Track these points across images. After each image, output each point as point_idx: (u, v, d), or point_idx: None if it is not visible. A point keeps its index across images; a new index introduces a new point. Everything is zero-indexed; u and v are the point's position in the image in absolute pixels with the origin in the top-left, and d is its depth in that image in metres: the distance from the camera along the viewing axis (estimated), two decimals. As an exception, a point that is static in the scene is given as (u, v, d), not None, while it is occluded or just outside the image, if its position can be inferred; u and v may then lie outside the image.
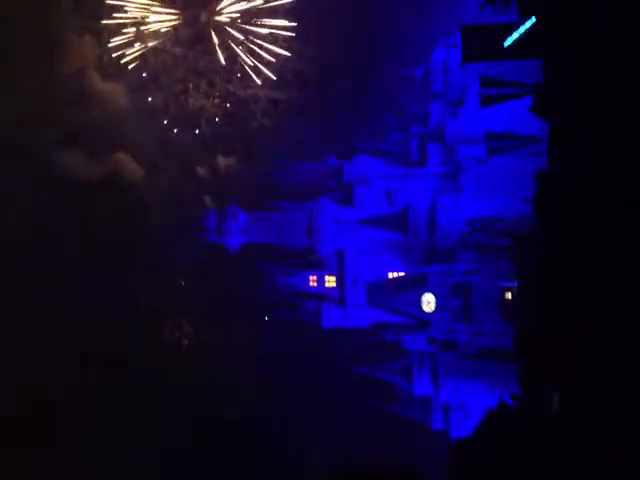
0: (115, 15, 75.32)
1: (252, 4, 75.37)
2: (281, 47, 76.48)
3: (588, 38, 28.72)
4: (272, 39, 76.19)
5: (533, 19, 34.06)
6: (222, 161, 79.72)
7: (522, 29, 35.67)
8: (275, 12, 75.86)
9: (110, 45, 76.26)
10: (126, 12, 75.19)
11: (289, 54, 76.47)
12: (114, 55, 76.32)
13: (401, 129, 61.07)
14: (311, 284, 61.14)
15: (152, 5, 75.22)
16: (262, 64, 76.60)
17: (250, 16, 75.97)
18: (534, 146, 52.71)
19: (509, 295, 53.82)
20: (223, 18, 75.55)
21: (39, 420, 73.66)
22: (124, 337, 74.50)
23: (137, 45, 76.13)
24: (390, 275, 59.54)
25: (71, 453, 72.42)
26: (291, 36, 75.91)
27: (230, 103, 78.83)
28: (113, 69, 77.46)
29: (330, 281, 60.76)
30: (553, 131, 39.68)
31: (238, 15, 75.60)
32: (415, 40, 63.58)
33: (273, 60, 76.49)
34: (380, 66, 68.36)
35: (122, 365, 74.22)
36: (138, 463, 71.52)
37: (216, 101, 78.29)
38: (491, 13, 57.78)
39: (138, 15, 75.62)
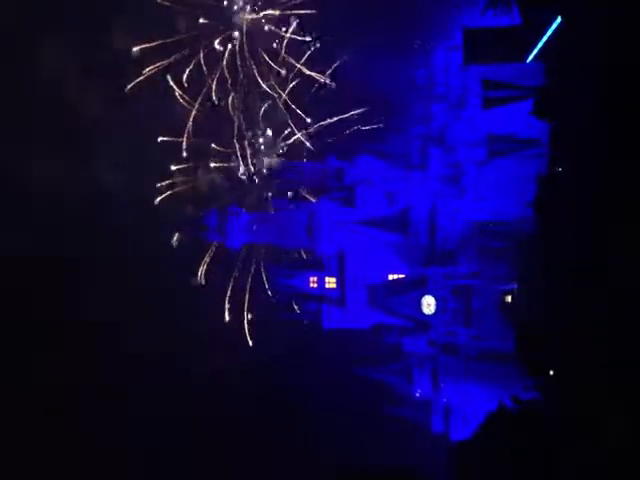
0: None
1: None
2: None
3: (590, 44, 28.78)
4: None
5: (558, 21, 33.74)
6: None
7: (545, 37, 35.36)
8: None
9: None
10: None
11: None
12: None
13: (403, 131, 61.08)
14: (311, 285, 61.07)
15: None
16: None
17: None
18: (535, 149, 52.77)
19: (509, 298, 53.80)
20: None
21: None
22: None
23: None
24: (390, 277, 59.46)
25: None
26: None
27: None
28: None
29: (330, 282, 60.67)
30: (554, 134, 39.79)
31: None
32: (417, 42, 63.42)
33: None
34: (383, 68, 68.25)
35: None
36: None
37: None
38: (492, 16, 57.84)
39: None
